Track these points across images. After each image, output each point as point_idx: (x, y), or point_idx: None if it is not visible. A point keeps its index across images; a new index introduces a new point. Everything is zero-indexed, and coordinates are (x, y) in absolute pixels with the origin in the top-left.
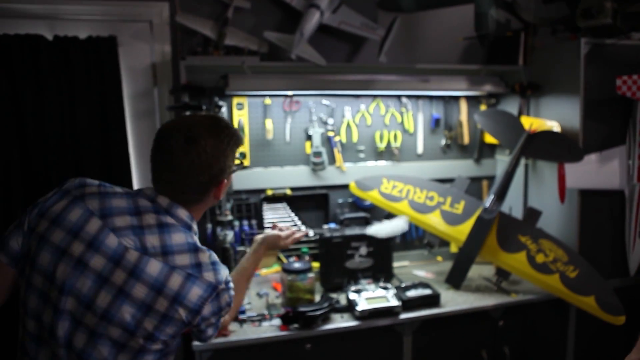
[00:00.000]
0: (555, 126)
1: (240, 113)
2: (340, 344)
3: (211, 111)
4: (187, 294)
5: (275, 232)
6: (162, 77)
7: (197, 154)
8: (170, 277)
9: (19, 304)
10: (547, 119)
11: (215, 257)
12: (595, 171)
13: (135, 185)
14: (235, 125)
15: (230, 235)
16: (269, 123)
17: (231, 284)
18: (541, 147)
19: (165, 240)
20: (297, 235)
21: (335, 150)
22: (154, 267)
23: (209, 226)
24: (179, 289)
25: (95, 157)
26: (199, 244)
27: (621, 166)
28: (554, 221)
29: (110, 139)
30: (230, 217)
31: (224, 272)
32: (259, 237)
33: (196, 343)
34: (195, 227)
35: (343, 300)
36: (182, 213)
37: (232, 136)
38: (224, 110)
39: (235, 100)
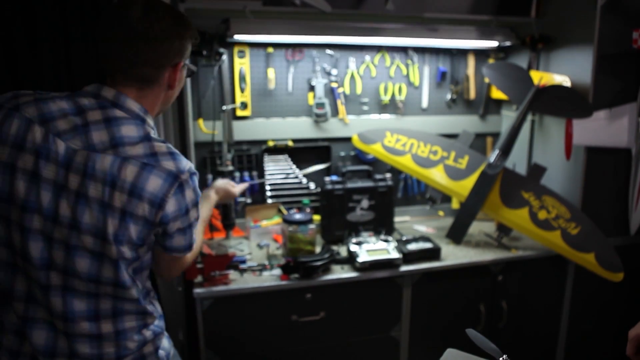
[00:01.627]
0: (565, 81)
1: (242, 61)
2: (340, 294)
3: (212, 58)
4: (144, 184)
5: (226, 180)
6: None
7: (154, 21)
8: (123, 168)
9: None
10: (557, 73)
11: (173, 148)
12: (604, 128)
13: None
14: (237, 73)
15: None
16: (271, 72)
17: (196, 179)
18: (550, 102)
19: (114, 133)
20: (245, 185)
21: (339, 102)
22: (105, 162)
23: (210, 176)
24: (134, 180)
25: None
26: (154, 135)
27: (630, 124)
28: (558, 178)
29: None
30: (231, 168)
31: (185, 161)
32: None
33: (197, 290)
34: (150, 120)
35: (344, 252)
36: (132, 104)
37: (191, 26)
38: (224, 57)
39: (237, 48)
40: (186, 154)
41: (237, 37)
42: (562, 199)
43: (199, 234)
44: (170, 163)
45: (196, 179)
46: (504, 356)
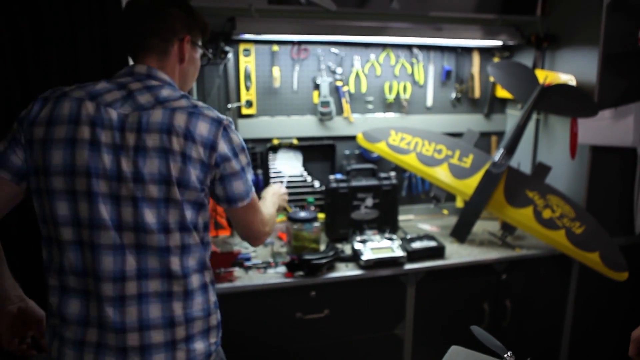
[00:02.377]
0: (570, 80)
1: (247, 60)
2: (345, 292)
3: (217, 57)
4: (195, 128)
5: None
6: None
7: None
8: (174, 116)
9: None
10: (563, 72)
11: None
12: (609, 127)
13: None
14: (242, 72)
15: None
16: (276, 71)
17: (233, 127)
18: (555, 101)
19: (157, 94)
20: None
21: (343, 101)
22: (156, 115)
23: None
24: (186, 125)
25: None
26: (189, 95)
27: (636, 123)
28: (563, 177)
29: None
30: None
31: (221, 114)
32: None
33: None
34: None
35: (348, 250)
36: (162, 74)
37: (199, 16)
38: (230, 56)
39: (242, 47)
40: None
41: (243, 35)
42: (566, 198)
43: (269, 208)
44: (210, 112)
45: (234, 127)
46: (509, 353)
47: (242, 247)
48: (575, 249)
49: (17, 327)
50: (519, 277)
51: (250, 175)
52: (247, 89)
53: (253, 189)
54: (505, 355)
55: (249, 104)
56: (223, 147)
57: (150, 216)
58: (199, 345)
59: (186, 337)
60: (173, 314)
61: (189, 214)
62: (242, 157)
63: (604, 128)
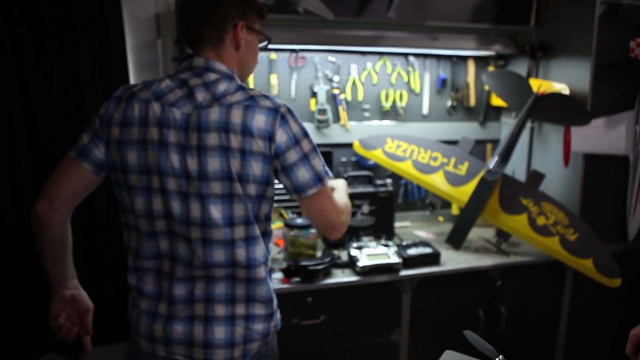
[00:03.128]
0: (564, 89)
1: None
2: (341, 298)
3: None
4: (252, 121)
5: None
6: (165, 28)
7: None
8: (230, 113)
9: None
10: (556, 81)
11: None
12: (602, 136)
13: None
14: None
15: None
16: (273, 79)
17: (295, 113)
18: (548, 109)
19: (214, 90)
20: None
21: (340, 108)
22: (213, 114)
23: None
24: (242, 120)
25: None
26: (242, 85)
27: (628, 131)
28: (556, 184)
29: (113, 90)
30: None
31: (278, 100)
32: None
33: None
34: (237, 78)
35: (344, 257)
36: (219, 65)
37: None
38: None
39: None
40: None
41: None
42: (560, 205)
43: (343, 197)
44: (266, 101)
45: (295, 113)
46: (500, 357)
47: None
48: (569, 256)
49: (68, 311)
50: (513, 283)
51: (318, 161)
52: None
53: (324, 175)
54: (497, 359)
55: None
56: (282, 137)
57: (215, 212)
58: (258, 326)
59: (246, 316)
60: (235, 292)
61: (251, 207)
62: (304, 144)
63: (596, 136)
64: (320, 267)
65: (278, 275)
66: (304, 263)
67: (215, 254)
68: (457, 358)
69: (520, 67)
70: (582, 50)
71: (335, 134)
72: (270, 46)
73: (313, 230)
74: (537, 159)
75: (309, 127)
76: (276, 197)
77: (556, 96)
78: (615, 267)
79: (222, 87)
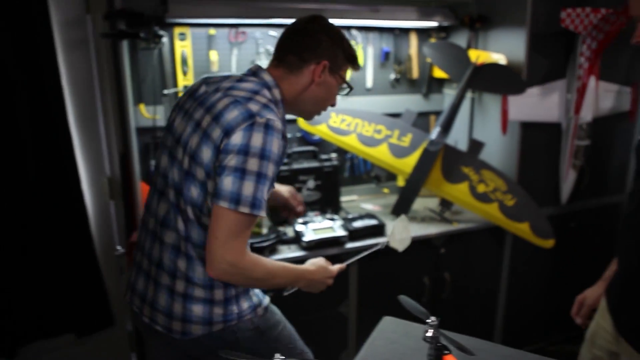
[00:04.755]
0: (501, 59)
1: (183, 44)
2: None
3: (150, 42)
4: (226, 113)
5: (320, 258)
6: (95, 2)
7: (310, 23)
8: (221, 100)
9: None
10: (494, 52)
11: (273, 104)
12: (536, 104)
13: (71, 122)
14: (178, 56)
15: None
16: (213, 55)
17: (274, 134)
18: (486, 79)
19: (237, 84)
20: (342, 266)
21: None
22: (214, 96)
23: (153, 163)
24: (222, 109)
25: (22, 92)
26: (263, 93)
27: (560, 100)
28: (496, 152)
29: (39, 70)
30: None
31: (271, 115)
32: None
33: None
34: (275, 92)
35: (291, 233)
36: (266, 75)
37: (348, 46)
38: (164, 40)
39: (177, 30)
40: (127, 140)
41: (177, 19)
42: (499, 172)
43: (278, 270)
44: (255, 106)
45: (275, 133)
46: (432, 318)
47: None
48: (507, 221)
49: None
50: (457, 250)
51: (250, 186)
52: (184, 74)
53: (246, 203)
54: (428, 321)
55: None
56: (237, 138)
57: (173, 173)
58: (197, 308)
59: (184, 294)
60: (177, 266)
61: (194, 189)
62: (251, 161)
63: (531, 105)
64: (265, 244)
65: None
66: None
67: (170, 213)
68: (394, 323)
69: (461, 39)
70: (518, 21)
71: None
72: (209, 21)
73: None
74: (478, 128)
75: None
76: None
77: (493, 66)
78: (549, 229)
79: (246, 85)
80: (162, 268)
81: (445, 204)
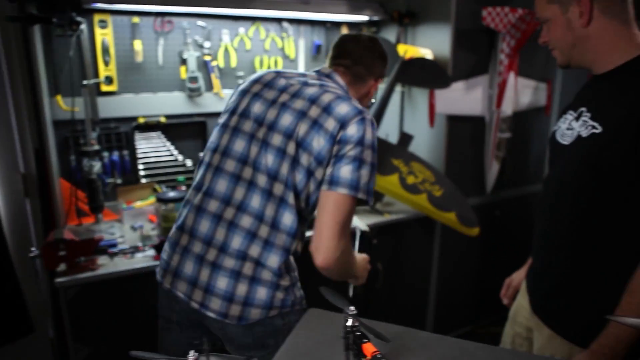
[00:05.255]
0: (428, 54)
1: (104, 32)
2: None
3: (66, 28)
4: (336, 106)
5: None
6: None
7: (377, 44)
8: (323, 94)
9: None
10: (422, 47)
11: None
12: (461, 98)
13: None
14: (99, 45)
15: (97, 166)
16: (138, 44)
17: (374, 126)
18: (414, 73)
19: (325, 82)
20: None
21: (213, 76)
22: (311, 90)
23: (73, 158)
24: (329, 102)
25: None
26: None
27: (483, 94)
28: (424, 145)
29: None
30: (96, 147)
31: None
32: None
33: (59, 279)
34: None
35: None
36: (339, 79)
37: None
38: (83, 27)
39: (97, 17)
40: (42, 134)
41: (95, 4)
42: (427, 164)
43: (357, 259)
44: (357, 104)
45: (375, 128)
46: (351, 307)
47: (107, 233)
48: (435, 210)
49: None
50: (388, 240)
51: (367, 175)
52: (106, 64)
53: (363, 191)
54: (347, 310)
55: (108, 80)
56: (352, 130)
57: (268, 159)
58: (262, 291)
59: (251, 277)
60: (247, 251)
61: (298, 175)
62: (366, 152)
63: (457, 99)
64: None
65: (151, 253)
66: None
67: (253, 198)
68: (318, 314)
69: (391, 34)
70: (443, 18)
71: (208, 103)
72: (132, 8)
73: None
74: (407, 121)
75: (180, 95)
76: (146, 173)
77: (421, 61)
78: (474, 217)
79: (332, 86)
80: (226, 251)
81: (377, 195)
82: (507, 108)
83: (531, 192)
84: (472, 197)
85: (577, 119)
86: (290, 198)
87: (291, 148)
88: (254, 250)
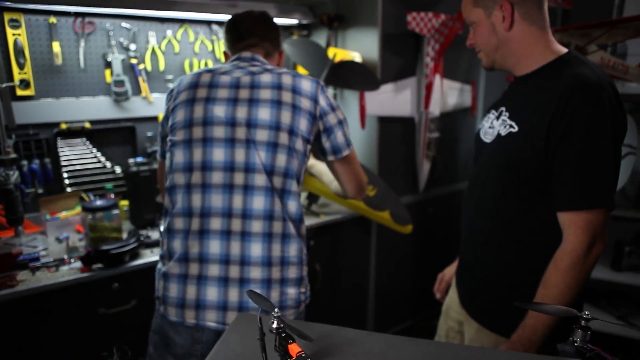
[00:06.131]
0: (357, 57)
1: (17, 32)
2: (153, 278)
3: None
4: (300, 84)
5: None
6: None
7: (269, 19)
8: (281, 78)
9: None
10: (351, 50)
11: None
12: (391, 100)
13: None
14: (11, 46)
15: (14, 175)
16: (56, 46)
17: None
18: (344, 76)
19: (263, 65)
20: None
21: (140, 80)
22: (265, 77)
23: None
24: (292, 82)
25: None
26: None
27: (412, 95)
28: (357, 146)
29: None
30: (13, 155)
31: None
32: None
33: None
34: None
35: (156, 235)
36: (262, 59)
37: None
38: None
39: (8, 16)
40: None
41: (3, 2)
42: (360, 164)
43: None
44: (307, 76)
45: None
46: (276, 309)
47: (29, 246)
48: (369, 210)
49: None
50: (325, 241)
51: (346, 129)
52: (21, 66)
53: (350, 142)
54: (272, 313)
55: (24, 84)
56: (323, 101)
57: (259, 157)
58: (291, 290)
59: (281, 279)
60: (271, 254)
61: (295, 161)
62: (338, 112)
63: (386, 100)
64: (124, 249)
65: (77, 265)
66: (105, 247)
67: (255, 201)
68: (247, 318)
69: (321, 38)
70: (370, 22)
71: (136, 107)
72: (47, 7)
73: (116, 212)
74: None
75: (105, 100)
76: (71, 182)
77: (350, 64)
78: (407, 215)
79: (270, 66)
80: (249, 263)
81: (312, 197)
82: (435, 109)
83: (461, 189)
84: (405, 195)
85: (497, 117)
86: (293, 186)
87: (284, 138)
88: (276, 250)
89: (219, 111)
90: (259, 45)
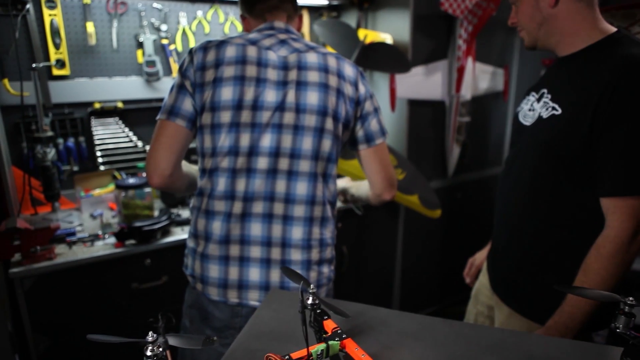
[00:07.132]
0: (387, 38)
1: (53, 12)
2: (183, 255)
3: (10, 7)
4: (343, 69)
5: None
6: None
7: None
8: (327, 59)
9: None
10: (382, 31)
11: None
12: (421, 82)
13: None
14: (47, 26)
15: (51, 153)
16: (90, 26)
17: None
18: (374, 58)
19: (303, 42)
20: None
21: (171, 60)
22: (311, 57)
23: (24, 145)
24: (337, 66)
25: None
26: None
27: (443, 79)
28: (387, 129)
29: None
30: (50, 133)
31: None
32: None
33: (13, 270)
34: None
35: (186, 214)
36: (296, 32)
37: None
38: (29, 6)
39: None
40: None
41: None
42: (389, 147)
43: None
44: (349, 60)
45: None
46: (312, 286)
47: (65, 222)
48: (398, 193)
49: None
50: (352, 224)
51: (382, 118)
52: (57, 46)
53: (386, 131)
54: (309, 289)
55: (60, 63)
56: (362, 88)
57: (306, 143)
58: (325, 269)
59: (319, 260)
60: (311, 237)
61: (335, 145)
62: (374, 100)
63: (417, 83)
64: (156, 226)
65: (111, 241)
66: (138, 224)
67: (298, 187)
68: (280, 294)
69: (351, 19)
70: (402, 3)
71: (167, 88)
72: None
73: (148, 190)
74: None
75: (137, 80)
76: (105, 160)
77: (381, 45)
78: (436, 200)
79: (310, 43)
80: (290, 245)
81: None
82: (466, 92)
83: (490, 175)
84: (434, 180)
85: (538, 100)
86: (334, 170)
87: (329, 124)
88: (315, 233)
89: (270, 96)
90: (280, 8)
